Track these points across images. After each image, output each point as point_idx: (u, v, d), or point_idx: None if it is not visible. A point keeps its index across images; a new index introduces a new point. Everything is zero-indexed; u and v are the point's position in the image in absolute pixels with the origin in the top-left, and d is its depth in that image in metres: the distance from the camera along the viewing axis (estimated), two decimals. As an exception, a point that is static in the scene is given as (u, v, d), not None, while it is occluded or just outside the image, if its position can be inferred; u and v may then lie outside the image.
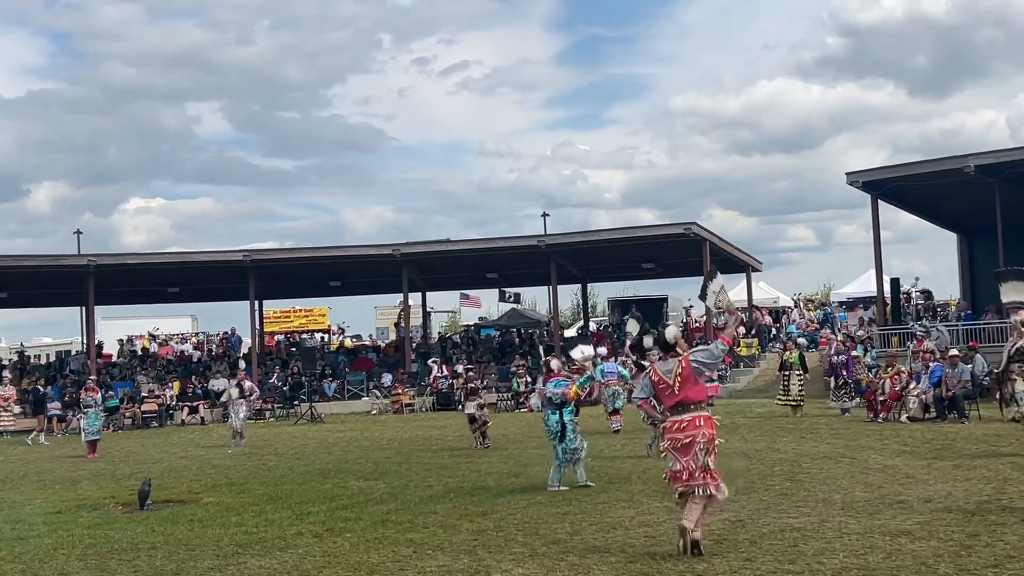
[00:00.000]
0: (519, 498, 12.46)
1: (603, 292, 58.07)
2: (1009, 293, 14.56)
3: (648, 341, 11.59)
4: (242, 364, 25.28)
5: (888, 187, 31.26)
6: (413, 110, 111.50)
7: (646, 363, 12.76)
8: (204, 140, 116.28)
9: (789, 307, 43.98)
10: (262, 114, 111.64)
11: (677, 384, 8.77)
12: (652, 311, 41.20)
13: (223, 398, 24.20)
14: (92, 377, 27.90)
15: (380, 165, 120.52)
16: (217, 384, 34.84)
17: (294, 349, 40.71)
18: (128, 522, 12.25)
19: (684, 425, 8.70)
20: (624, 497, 12.15)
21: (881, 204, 31.95)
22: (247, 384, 24.02)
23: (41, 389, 31.76)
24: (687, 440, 8.64)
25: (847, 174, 31.39)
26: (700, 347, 9.40)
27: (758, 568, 8.01)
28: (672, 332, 9.19)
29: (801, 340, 29.19)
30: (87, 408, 22.62)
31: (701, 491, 8.57)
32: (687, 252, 34.96)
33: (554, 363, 13.96)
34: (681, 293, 45.25)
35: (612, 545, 9.28)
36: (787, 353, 24.05)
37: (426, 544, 9.72)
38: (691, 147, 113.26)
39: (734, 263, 37.44)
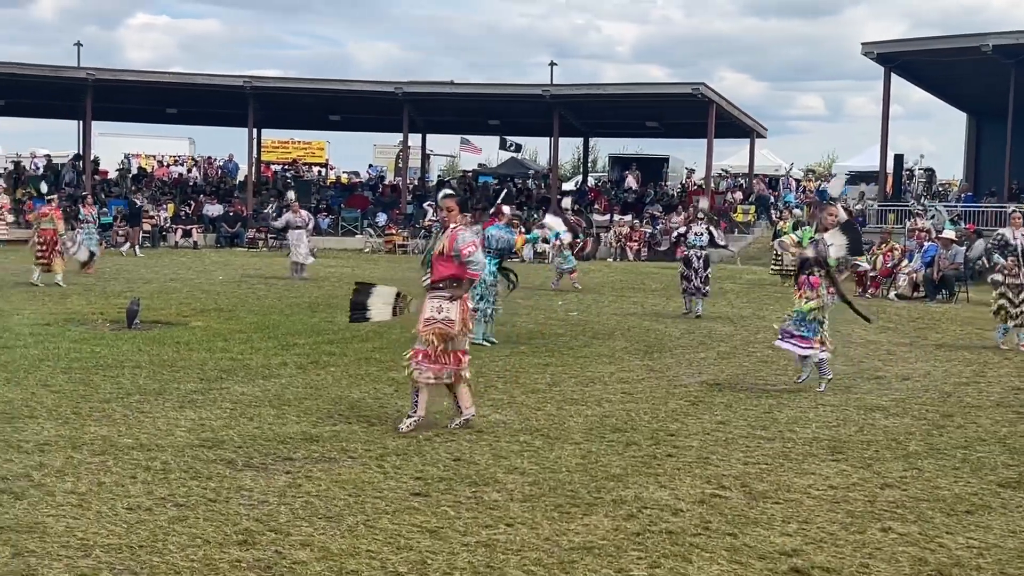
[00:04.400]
0: (502, 347, 12.57)
1: (605, 148, 57.58)
2: None
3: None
4: (292, 195, 24.79)
5: (902, 61, 30.75)
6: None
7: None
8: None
9: (793, 176, 43.72)
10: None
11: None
12: (652, 170, 40.99)
13: (280, 224, 23.78)
14: (86, 193, 27.80)
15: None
16: (212, 209, 34.82)
17: (290, 181, 40.51)
18: (115, 339, 12.35)
19: None
20: (606, 353, 12.27)
21: (894, 78, 31.48)
22: (304, 213, 23.48)
23: (137, 202, 31.63)
24: None
25: (863, 44, 30.85)
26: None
27: (730, 432, 8.14)
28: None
29: (797, 211, 29.10)
30: (84, 223, 22.49)
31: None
32: (693, 113, 34.52)
33: (506, 209, 13.78)
34: (683, 154, 45.04)
35: (589, 398, 9.40)
36: (782, 223, 24.01)
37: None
38: (708, 5, 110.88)
39: (739, 127, 37.05)
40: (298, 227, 22.52)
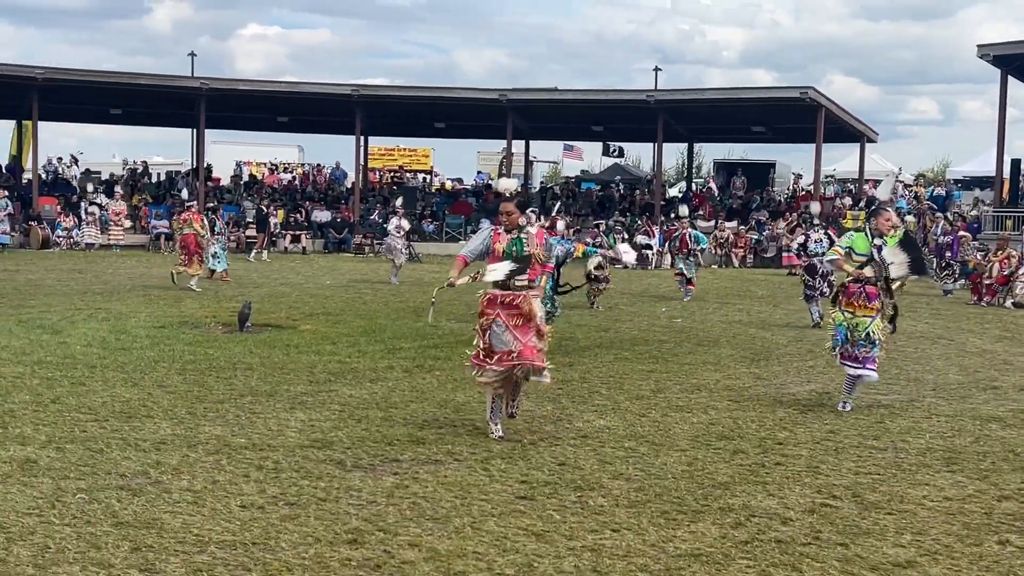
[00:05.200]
0: (606, 352, 12.55)
1: (709, 153, 57.02)
2: None
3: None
4: (399, 202, 25.30)
5: (1020, 63, 29.81)
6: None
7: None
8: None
9: (904, 181, 42.70)
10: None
11: None
12: (759, 176, 40.45)
13: (393, 231, 24.31)
14: (216, 204, 28.22)
15: (496, 7, 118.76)
16: (320, 216, 35.45)
17: (396, 187, 41.01)
18: (227, 342, 12.66)
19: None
20: (712, 360, 12.14)
21: (1011, 80, 30.57)
22: (404, 222, 24.05)
23: (264, 209, 32.56)
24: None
25: (979, 46, 30.05)
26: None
27: (841, 441, 7.98)
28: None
29: (909, 217, 28.45)
30: (219, 236, 22.55)
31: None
32: (801, 117, 33.97)
33: (560, 225, 13.62)
34: (790, 159, 44.32)
35: (694, 405, 9.31)
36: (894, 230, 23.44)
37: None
38: (817, 8, 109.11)
39: (848, 132, 36.34)
40: (398, 233, 23.12)
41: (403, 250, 23.36)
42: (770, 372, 11.41)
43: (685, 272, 20.10)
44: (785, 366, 11.88)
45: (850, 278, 9.19)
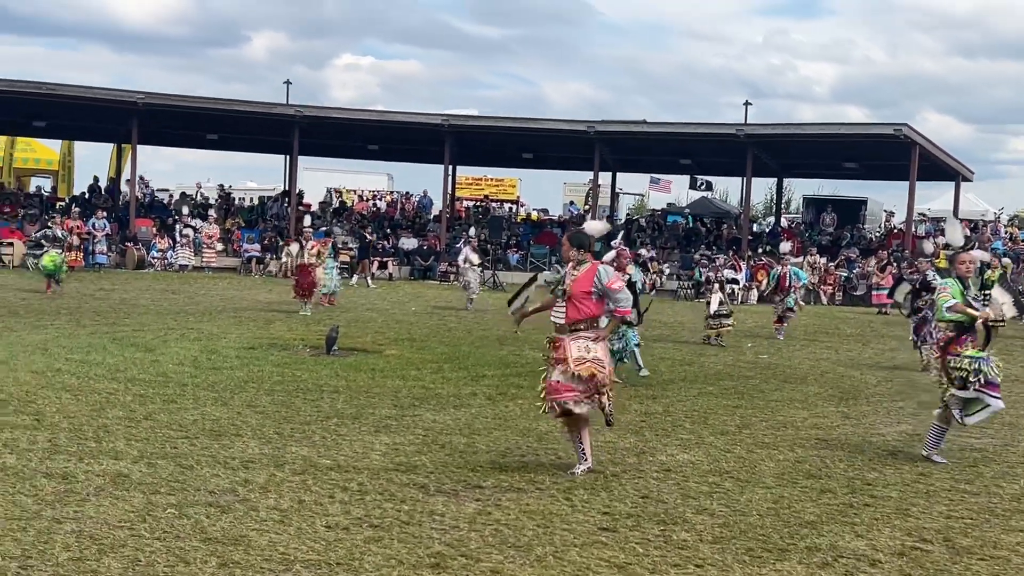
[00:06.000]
0: (690, 386, 12.45)
1: (799, 188, 56.38)
2: None
3: None
4: (471, 231, 25.62)
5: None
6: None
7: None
8: (416, 1, 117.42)
9: (998, 220, 41.72)
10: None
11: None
12: (849, 212, 39.87)
13: (461, 262, 24.64)
14: (328, 228, 28.52)
15: (584, 40, 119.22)
16: (407, 243, 35.79)
17: (481, 217, 41.27)
18: (314, 364, 12.84)
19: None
20: (799, 398, 11.96)
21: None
22: (473, 255, 24.27)
23: (368, 236, 33.16)
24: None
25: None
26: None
27: (932, 484, 7.80)
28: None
29: (1006, 259, 27.79)
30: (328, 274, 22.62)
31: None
32: (894, 154, 33.43)
33: (609, 254, 13.35)
34: (883, 197, 43.58)
35: (781, 442, 9.18)
36: (990, 271, 22.90)
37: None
38: (911, 45, 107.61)
39: (943, 170, 35.64)
40: (471, 262, 23.56)
41: (474, 280, 23.58)
42: (859, 412, 11.20)
43: (795, 310, 19.44)
44: (874, 406, 11.65)
45: (968, 320, 8.72)
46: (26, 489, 6.58)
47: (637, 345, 13.14)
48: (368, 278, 30.30)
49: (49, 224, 25.03)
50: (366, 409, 9.87)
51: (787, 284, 19.30)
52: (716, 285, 18.33)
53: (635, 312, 11.00)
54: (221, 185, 45.31)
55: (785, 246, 21.64)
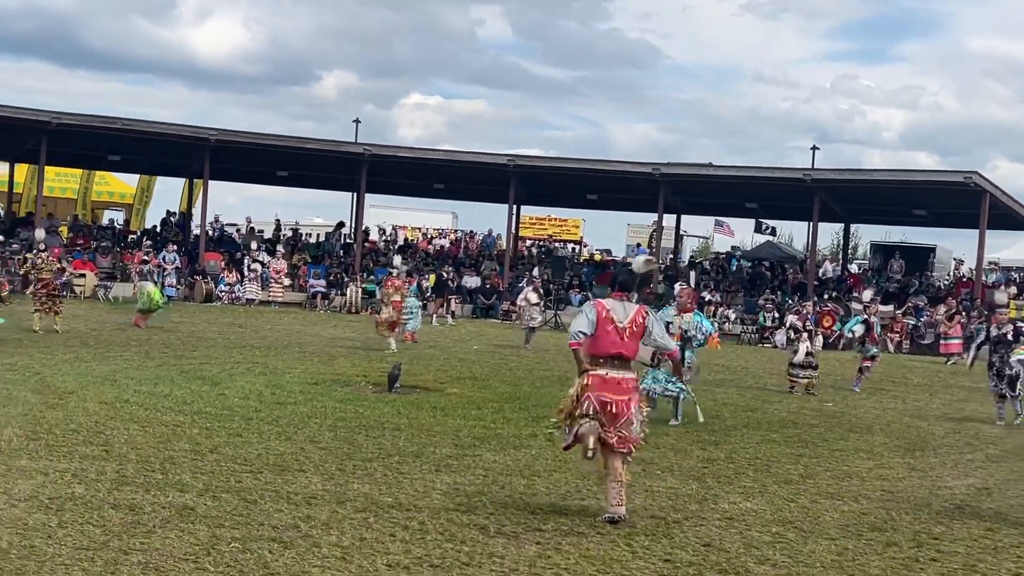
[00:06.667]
0: (753, 433, 12.32)
1: (866, 234, 55.77)
2: None
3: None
4: (535, 272, 25.93)
5: None
6: (692, 29, 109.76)
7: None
8: (485, 43, 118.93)
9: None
10: (543, 21, 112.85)
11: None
12: (918, 260, 39.33)
13: (520, 301, 24.88)
14: (409, 267, 28.77)
15: (650, 83, 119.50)
16: (470, 281, 35.95)
17: (544, 257, 41.33)
18: (376, 402, 12.93)
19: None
20: (864, 448, 11.78)
21: None
22: (532, 295, 24.52)
23: (445, 275, 33.58)
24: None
25: None
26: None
27: (1000, 539, 7.64)
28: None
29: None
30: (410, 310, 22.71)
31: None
32: (964, 202, 32.94)
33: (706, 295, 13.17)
34: (952, 244, 42.94)
35: (845, 493, 9.05)
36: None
37: (655, 464, 9.78)
38: (982, 92, 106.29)
39: (1014, 218, 35.03)
40: (528, 300, 23.82)
41: (530, 320, 23.70)
42: (926, 463, 11.00)
43: (878, 357, 18.85)
44: (942, 458, 11.44)
45: None
46: (94, 519, 6.70)
47: (682, 392, 12.97)
48: (449, 315, 30.54)
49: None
50: (427, 448, 9.91)
51: (876, 333, 18.77)
52: (805, 334, 17.78)
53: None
54: (277, 221, 45.86)
55: (868, 294, 21.18)
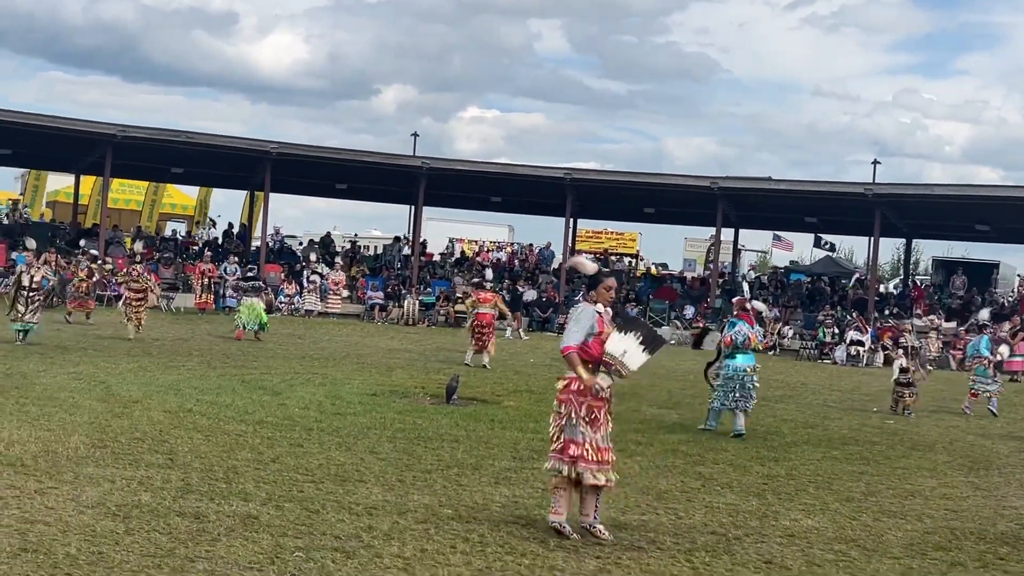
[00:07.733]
0: (814, 450, 12.20)
1: (928, 250, 55.06)
2: None
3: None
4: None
5: None
6: (751, 43, 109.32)
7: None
8: (542, 57, 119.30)
9: None
10: (600, 36, 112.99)
11: None
12: (981, 276, 38.76)
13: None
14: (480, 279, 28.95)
15: (708, 97, 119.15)
16: (527, 295, 36.00)
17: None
18: (435, 413, 13.00)
19: None
20: (927, 466, 11.62)
21: None
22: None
23: (520, 289, 33.67)
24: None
25: None
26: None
27: (1070, 563, 7.49)
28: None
29: None
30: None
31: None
32: (1029, 217, 32.47)
33: (759, 305, 13.21)
34: (1016, 260, 42.27)
35: (908, 512, 8.94)
36: None
37: (715, 480, 9.74)
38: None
39: (1080, 233, 34.45)
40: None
41: None
42: (990, 483, 10.83)
43: (992, 390, 17.63)
44: (1006, 477, 11.25)
45: None
46: (160, 527, 6.82)
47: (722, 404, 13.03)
48: (521, 330, 30.53)
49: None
50: (486, 460, 9.94)
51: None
52: (901, 351, 17.25)
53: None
54: (328, 233, 46.33)
55: (984, 313, 20.27)
